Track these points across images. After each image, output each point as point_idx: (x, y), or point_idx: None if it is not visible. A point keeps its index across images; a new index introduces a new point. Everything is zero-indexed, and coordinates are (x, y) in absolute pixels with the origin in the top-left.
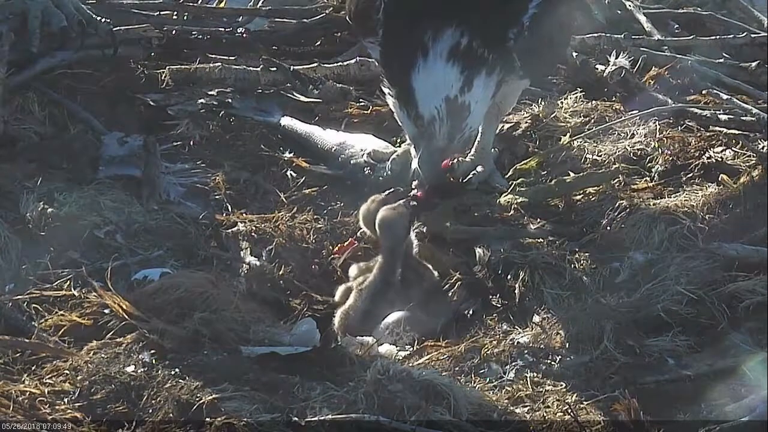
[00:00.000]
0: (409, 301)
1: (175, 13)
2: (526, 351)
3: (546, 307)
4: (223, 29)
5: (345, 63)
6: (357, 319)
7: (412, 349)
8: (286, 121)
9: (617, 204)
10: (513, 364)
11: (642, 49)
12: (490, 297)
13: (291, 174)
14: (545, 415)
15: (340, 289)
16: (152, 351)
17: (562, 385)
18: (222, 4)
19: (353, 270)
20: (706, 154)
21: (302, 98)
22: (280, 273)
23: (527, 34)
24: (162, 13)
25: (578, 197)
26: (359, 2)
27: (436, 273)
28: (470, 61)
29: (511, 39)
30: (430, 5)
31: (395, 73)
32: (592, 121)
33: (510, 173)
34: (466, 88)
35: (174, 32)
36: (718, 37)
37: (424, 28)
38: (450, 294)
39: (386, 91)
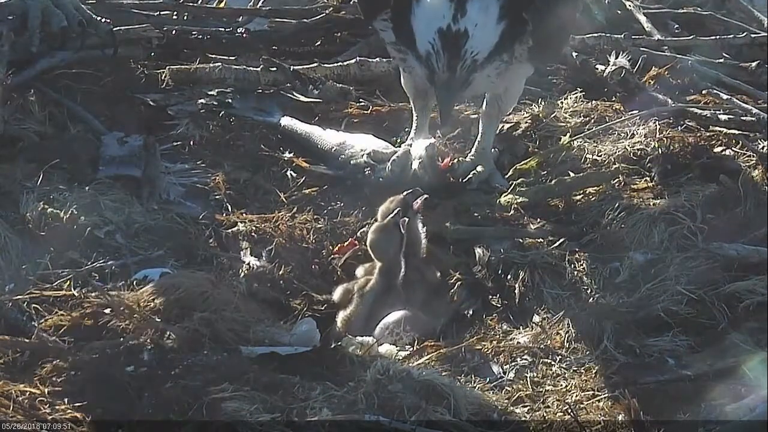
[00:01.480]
0: (410, 302)
1: (175, 13)
2: (526, 351)
3: (546, 307)
4: (223, 29)
5: (345, 63)
6: (359, 324)
7: (412, 349)
8: (286, 121)
9: (617, 204)
10: (513, 364)
11: (642, 49)
12: (490, 297)
13: (291, 174)
14: (545, 415)
15: (338, 289)
16: (152, 351)
17: (562, 385)
18: (222, 4)
19: (360, 271)
20: (706, 154)
21: (302, 98)
22: (280, 273)
23: (539, 11)
24: (162, 13)
25: (578, 197)
26: None
27: (438, 273)
28: None
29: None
30: None
31: (398, 23)
32: (592, 121)
33: (510, 173)
34: (459, 14)
35: (174, 32)
36: (718, 37)
37: None
38: (450, 294)
39: (393, 51)
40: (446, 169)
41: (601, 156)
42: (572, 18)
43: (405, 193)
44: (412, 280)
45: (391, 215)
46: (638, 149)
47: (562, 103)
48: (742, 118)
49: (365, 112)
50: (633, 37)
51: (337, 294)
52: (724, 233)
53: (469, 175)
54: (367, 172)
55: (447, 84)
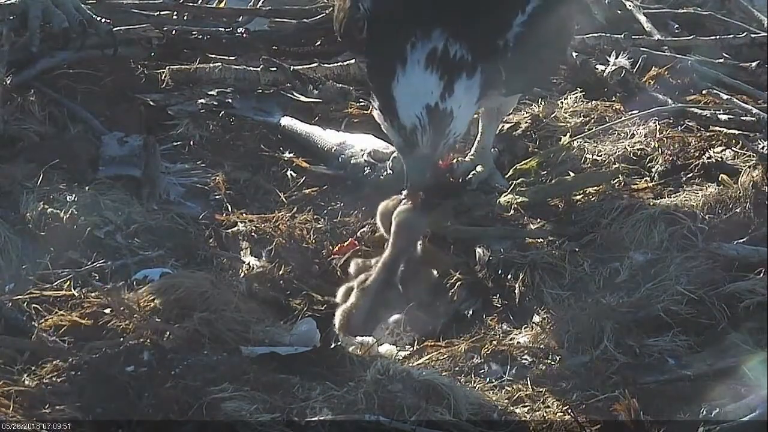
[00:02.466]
0: (409, 301)
1: (175, 13)
2: (526, 351)
3: (546, 307)
4: (223, 29)
5: (345, 63)
6: (359, 318)
7: (412, 349)
8: (286, 121)
9: (617, 204)
10: (513, 364)
11: (642, 49)
12: (490, 297)
13: (291, 174)
14: (545, 415)
15: (341, 290)
16: (152, 351)
17: (562, 385)
18: (222, 4)
19: (352, 267)
20: (706, 154)
21: (302, 98)
22: (280, 273)
23: (511, 52)
24: (162, 13)
25: (578, 197)
26: (344, 22)
27: (435, 273)
28: (449, 65)
29: (498, 50)
30: (410, 17)
31: (378, 86)
32: (592, 121)
33: (510, 173)
34: (447, 93)
35: (174, 32)
36: (718, 37)
37: (403, 39)
38: (450, 294)
39: (372, 104)
40: (446, 169)
41: (601, 156)
42: (560, 49)
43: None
44: (410, 280)
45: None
46: (638, 149)
47: (562, 103)
48: (742, 118)
49: (365, 112)
50: (633, 37)
51: (340, 294)
52: (724, 233)
53: (469, 175)
54: (367, 172)
55: (425, 159)
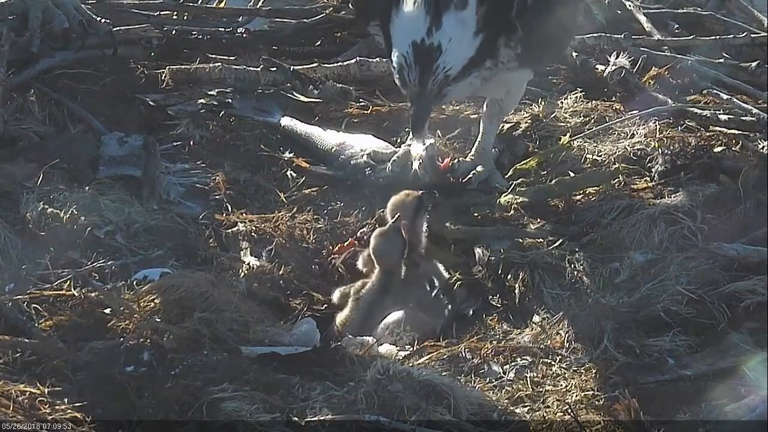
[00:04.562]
0: (408, 303)
1: (175, 13)
2: (526, 351)
3: (546, 307)
4: (223, 29)
5: (345, 63)
6: (355, 327)
7: (412, 349)
8: (286, 121)
9: (617, 204)
10: (513, 364)
11: (642, 49)
12: (490, 297)
13: (291, 174)
14: (545, 415)
15: (336, 292)
16: (152, 351)
17: (562, 385)
18: (222, 4)
19: (336, 295)
20: (706, 154)
21: (302, 98)
22: (280, 273)
23: (531, 13)
24: (162, 13)
25: (578, 197)
26: None
27: (446, 274)
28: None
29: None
30: None
31: (385, 35)
32: (592, 121)
33: (510, 173)
34: (434, 27)
35: (174, 32)
36: (718, 37)
37: None
38: (450, 294)
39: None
40: (446, 169)
41: (601, 156)
42: (572, 22)
43: (420, 192)
44: (415, 280)
45: (392, 221)
46: (638, 149)
47: (562, 103)
48: (742, 118)
49: (365, 112)
50: (633, 37)
51: (335, 296)
52: (724, 233)
53: (469, 176)
54: (367, 173)
55: (418, 97)
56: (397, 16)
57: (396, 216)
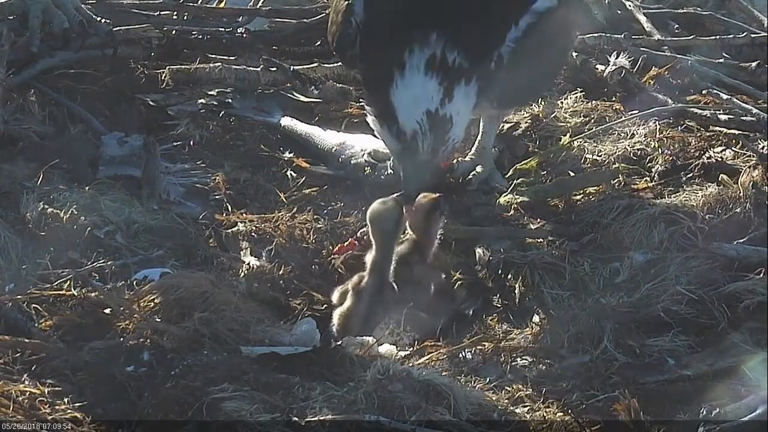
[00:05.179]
0: (408, 301)
1: (175, 13)
2: (526, 351)
3: (546, 307)
4: (223, 29)
5: None
6: (357, 322)
7: (412, 349)
8: (286, 121)
9: (617, 204)
10: (513, 364)
11: (642, 49)
12: (490, 297)
13: (291, 174)
14: (545, 415)
15: (336, 292)
16: (152, 351)
17: (562, 385)
18: (222, 4)
19: (335, 295)
20: (706, 154)
21: (302, 98)
22: (280, 273)
23: (505, 68)
24: (162, 13)
25: (578, 197)
26: (336, 36)
27: (443, 275)
28: (448, 71)
29: (492, 60)
30: (405, 26)
31: (375, 93)
32: (592, 121)
33: (510, 173)
34: (447, 99)
35: (174, 32)
36: (718, 37)
37: (401, 46)
38: (450, 294)
39: (368, 112)
40: (446, 169)
41: (601, 156)
42: (556, 62)
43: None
44: (417, 281)
45: (395, 195)
46: (638, 149)
47: (562, 103)
48: (742, 118)
49: (365, 112)
50: (633, 37)
51: (335, 296)
52: (724, 233)
53: (469, 176)
54: (367, 172)
55: (424, 165)
56: (404, 81)
57: (400, 193)
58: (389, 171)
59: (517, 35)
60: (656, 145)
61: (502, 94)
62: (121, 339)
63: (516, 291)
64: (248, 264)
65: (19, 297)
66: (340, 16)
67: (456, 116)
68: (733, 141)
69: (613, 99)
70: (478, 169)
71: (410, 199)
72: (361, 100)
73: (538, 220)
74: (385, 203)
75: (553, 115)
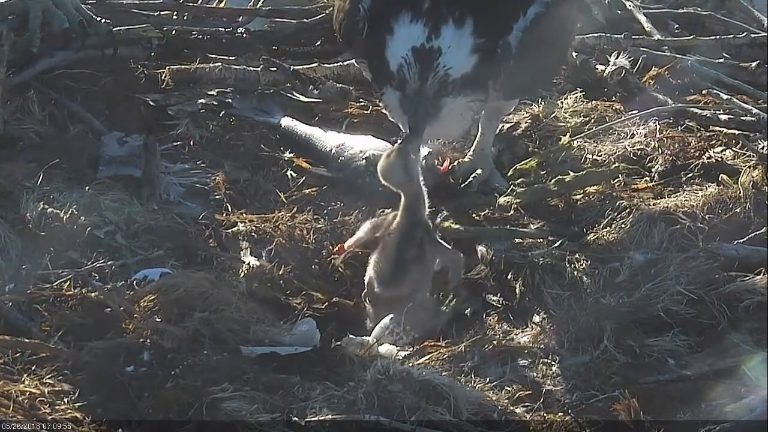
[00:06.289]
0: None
1: (175, 13)
2: (526, 351)
3: (546, 307)
4: (223, 29)
5: (345, 63)
6: (388, 269)
7: (412, 349)
8: (286, 122)
9: (617, 204)
10: (513, 364)
11: (642, 49)
12: (490, 297)
13: (291, 174)
14: (545, 415)
15: (366, 223)
16: (152, 351)
17: (562, 385)
18: (222, 4)
19: (366, 225)
20: (706, 154)
21: (302, 98)
22: (280, 273)
23: (514, 57)
24: (162, 13)
25: (578, 197)
26: (343, 24)
27: (461, 254)
28: (434, 14)
29: (500, 47)
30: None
31: (378, 66)
32: (592, 121)
33: (510, 173)
34: (433, 35)
35: (174, 32)
36: (718, 37)
37: (393, 16)
38: (450, 294)
39: (379, 95)
40: (446, 172)
41: (601, 156)
42: (560, 56)
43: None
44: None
45: (398, 143)
46: (638, 149)
47: (562, 103)
48: (742, 118)
49: (365, 112)
50: (633, 37)
51: (364, 228)
52: (724, 233)
53: (470, 178)
54: (367, 178)
55: (418, 92)
56: (393, 36)
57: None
58: None
59: (525, 24)
60: (656, 145)
61: (509, 82)
62: (121, 339)
63: (516, 291)
64: (248, 264)
65: (19, 297)
66: (347, 3)
67: (446, 48)
68: (733, 141)
69: (613, 99)
70: (478, 171)
71: (416, 135)
72: (360, 100)
73: (538, 220)
74: (389, 156)
75: (553, 115)
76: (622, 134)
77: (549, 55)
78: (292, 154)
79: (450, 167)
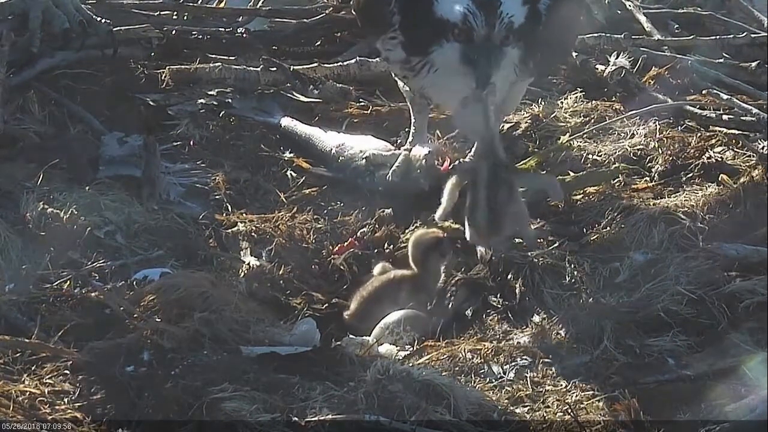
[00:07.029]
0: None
1: (175, 13)
2: (526, 351)
3: (546, 307)
4: (223, 29)
5: (345, 63)
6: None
7: (412, 349)
8: (286, 122)
9: (617, 204)
10: (513, 364)
11: (642, 49)
12: (490, 297)
13: (291, 174)
14: (545, 415)
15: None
16: (152, 351)
17: (562, 385)
18: (222, 4)
19: (377, 269)
20: (706, 154)
21: (302, 98)
22: (280, 273)
23: (544, 22)
24: (162, 13)
25: (578, 197)
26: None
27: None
28: None
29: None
30: None
31: (423, 28)
32: (592, 121)
33: None
34: None
35: (174, 32)
36: (718, 37)
37: None
38: (450, 294)
39: (420, 64)
40: (446, 172)
41: (601, 156)
42: (573, 33)
43: (441, 235)
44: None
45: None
46: (638, 149)
47: (562, 103)
48: (742, 118)
49: (365, 112)
50: (633, 37)
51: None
52: (724, 233)
53: None
54: (366, 178)
55: (487, 38)
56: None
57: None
58: (389, 179)
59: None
60: (656, 145)
61: (536, 52)
62: (121, 339)
63: (516, 291)
64: (248, 264)
65: (19, 297)
66: None
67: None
68: (733, 141)
69: (613, 99)
70: None
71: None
72: (360, 100)
73: (538, 220)
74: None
75: (553, 115)
76: (622, 134)
77: (566, 32)
78: (292, 154)
79: (450, 167)
